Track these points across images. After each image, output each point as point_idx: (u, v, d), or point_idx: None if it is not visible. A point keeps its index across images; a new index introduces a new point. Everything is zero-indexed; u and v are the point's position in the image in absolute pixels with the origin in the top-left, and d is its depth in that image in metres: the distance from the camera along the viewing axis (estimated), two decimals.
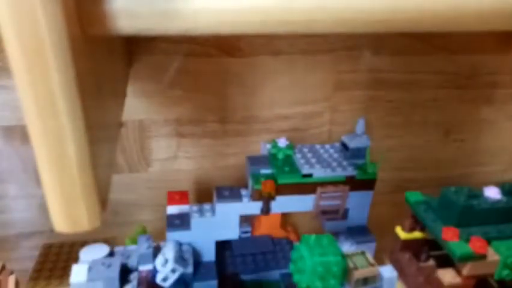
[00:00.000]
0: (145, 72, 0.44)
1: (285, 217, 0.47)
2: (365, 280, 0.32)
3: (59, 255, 0.44)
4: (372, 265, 0.33)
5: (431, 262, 0.36)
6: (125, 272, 0.36)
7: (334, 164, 0.40)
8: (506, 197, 0.34)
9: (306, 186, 0.39)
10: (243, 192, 0.39)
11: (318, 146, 0.44)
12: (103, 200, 0.20)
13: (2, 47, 0.15)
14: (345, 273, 0.31)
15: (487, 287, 0.35)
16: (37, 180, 0.42)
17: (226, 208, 0.38)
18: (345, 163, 0.41)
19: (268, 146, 0.42)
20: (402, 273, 0.36)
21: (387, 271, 0.34)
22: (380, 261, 0.36)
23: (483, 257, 0.31)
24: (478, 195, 0.34)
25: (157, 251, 0.37)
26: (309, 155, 0.42)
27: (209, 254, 0.40)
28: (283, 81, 0.48)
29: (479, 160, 0.59)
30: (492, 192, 0.34)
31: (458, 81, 0.53)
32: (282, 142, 0.42)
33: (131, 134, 0.47)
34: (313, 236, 0.32)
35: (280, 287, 0.41)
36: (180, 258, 0.36)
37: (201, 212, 0.39)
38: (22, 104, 0.16)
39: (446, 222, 0.33)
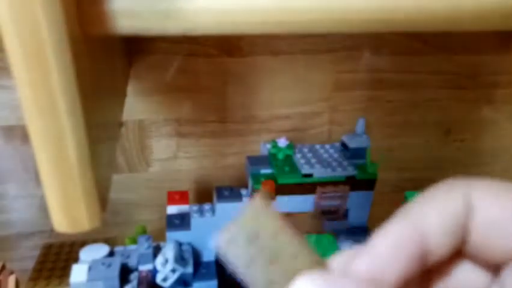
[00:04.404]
0: (145, 72, 0.44)
1: (285, 217, 0.47)
2: None
3: (59, 255, 0.44)
4: None
5: None
6: (125, 272, 0.36)
7: (334, 164, 0.40)
8: None
9: (306, 186, 0.39)
10: (243, 192, 0.39)
11: (318, 146, 0.44)
12: (103, 200, 0.20)
13: (2, 47, 0.15)
14: None
15: None
16: (37, 180, 0.42)
17: (226, 208, 0.38)
18: (345, 163, 0.41)
19: (268, 146, 0.42)
20: None
21: None
22: None
23: None
24: None
25: (157, 251, 0.37)
26: (309, 155, 0.42)
27: (209, 254, 0.40)
28: (283, 81, 0.48)
29: (480, 160, 0.59)
30: None
31: (458, 81, 0.53)
32: (282, 142, 0.42)
33: (131, 134, 0.47)
34: (313, 236, 0.32)
35: None
36: (180, 258, 0.36)
37: (201, 212, 0.39)
38: (22, 104, 0.16)
39: None
